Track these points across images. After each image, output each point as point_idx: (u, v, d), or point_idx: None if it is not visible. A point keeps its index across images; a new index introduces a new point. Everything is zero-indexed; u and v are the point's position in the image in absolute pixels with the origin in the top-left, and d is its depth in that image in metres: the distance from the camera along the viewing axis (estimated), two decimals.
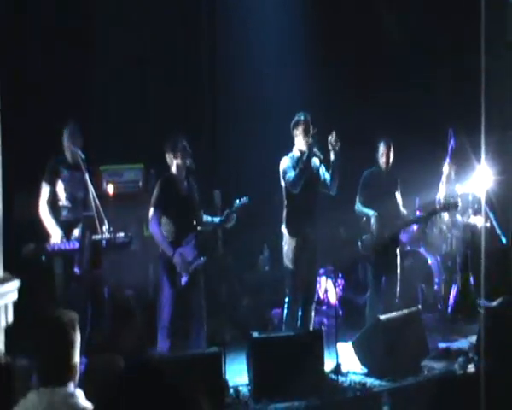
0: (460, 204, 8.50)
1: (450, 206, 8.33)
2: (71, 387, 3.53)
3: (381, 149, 8.25)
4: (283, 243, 7.59)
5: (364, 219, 8.19)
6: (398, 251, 8.28)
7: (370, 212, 8.09)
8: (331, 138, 7.35)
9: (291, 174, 7.42)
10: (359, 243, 8.18)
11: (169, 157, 7.20)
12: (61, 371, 3.51)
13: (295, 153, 7.59)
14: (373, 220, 8.05)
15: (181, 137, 7.22)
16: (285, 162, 7.55)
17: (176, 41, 9.91)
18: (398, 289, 8.28)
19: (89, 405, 3.52)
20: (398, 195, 8.40)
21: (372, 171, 8.34)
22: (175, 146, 7.15)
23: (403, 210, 8.44)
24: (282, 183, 7.56)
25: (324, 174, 7.62)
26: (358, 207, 8.21)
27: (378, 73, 10.39)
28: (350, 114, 10.04)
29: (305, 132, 7.45)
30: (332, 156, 7.42)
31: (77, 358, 3.60)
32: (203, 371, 6.19)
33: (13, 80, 7.69)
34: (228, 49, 10.10)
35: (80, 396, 3.54)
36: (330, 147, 7.36)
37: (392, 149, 8.27)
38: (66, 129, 7.18)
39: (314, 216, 7.55)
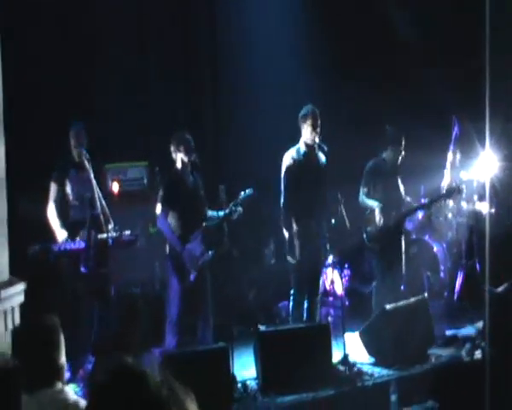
0: (464, 190, 8.50)
1: (453, 191, 8.31)
2: (59, 385, 3.56)
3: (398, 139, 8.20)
4: (288, 237, 7.61)
5: (369, 210, 8.19)
6: (402, 240, 8.28)
7: (375, 203, 8.09)
8: None
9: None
10: (364, 235, 8.18)
11: (174, 152, 7.23)
12: (47, 374, 3.54)
13: (301, 145, 7.59)
14: (377, 212, 8.05)
15: (185, 132, 7.26)
16: (287, 159, 7.56)
17: (178, 39, 9.93)
18: (402, 278, 8.30)
19: (80, 399, 3.57)
20: (400, 182, 8.39)
21: (374, 162, 8.31)
22: (180, 141, 7.18)
23: (406, 197, 8.43)
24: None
25: None
26: (362, 199, 8.19)
27: (382, 61, 10.36)
28: (353, 103, 10.03)
29: (313, 126, 7.46)
30: None
31: (62, 359, 3.63)
32: (211, 366, 6.26)
33: (17, 81, 7.74)
34: (230, 44, 10.10)
35: (69, 392, 3.59)
36: None
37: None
38: (72, 129, 7.23)
39: (318, 209, 7.56)
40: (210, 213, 7.41)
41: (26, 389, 3.47)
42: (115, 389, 1.88)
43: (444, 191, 8.54)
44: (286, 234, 7.55)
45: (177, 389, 1.89)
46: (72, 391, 3.62)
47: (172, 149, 7.22)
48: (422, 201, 8.73)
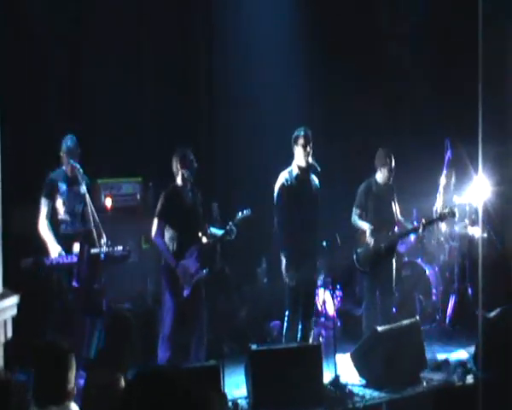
0: (457, 214, 8.49)
1: (447, 215, 8.32)
2: (66, 403, 3.61)
3: (386, 159, 8.20)
4: (282, 257, 7.57)
5: (360, 231, 8.17)
6: (393, 262, 8.26)
7: (366, 225, 8.08)
8: None
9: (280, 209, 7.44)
10: (354, 256, 8.17)
11: (176, 167, 7.23)
12: (58, 395, 3.66)
13: (294, 168, 7.57)
14: (368, 234, 8.04)
15: (190, 150, 7.26)
16: (280, 181, 7.53)
17: (174, 54, 9.93)
18: (393, 300, 8.27)
19: None
20: (394, 204, 8.38)
21: (367, 183, 8.31)
22: (184, 157, 7.18)
23: (400, 218, 8.41)
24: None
25: None
26: (355, 220, 8.18)
27: (376, 85, 10.41)
28: (348, 125, 10.06)
29: (305, 148, 7.46)
30: None
31: (73, 382, 3.76)
32: (202, 383, 6.20)
33: (11, 94, 7.73)
34: (226, 61, 10.13)
35: (76, 407, 3.63)
36: None
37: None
38: (64, 142, 7.20)
39: (313, 229, 7.54)
40: (212, 230, 7.41)
41: (36, 404, 3.63)
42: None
43: (437, 215, 8.52)
44: (283, 258, 7.51)
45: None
46: (77, 407, 3.67)
47: (175, 163, 7.22)
48: (415, 224, 8.71)
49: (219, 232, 7.37)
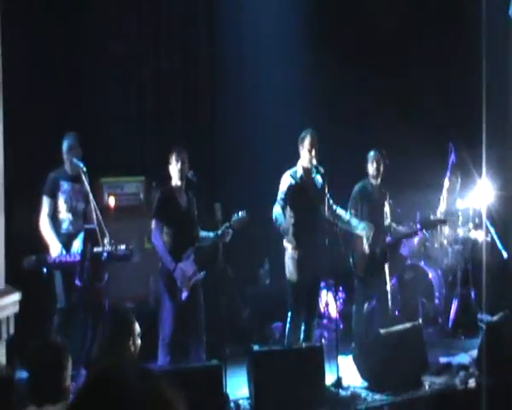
0: (460, 218, 8.49)
1: (437, 222, 8.39)
2: (62, 402, 3.67)
3: (373, 159, 8.21)
4: (286, 258, 7.56)
5: (355, 235, 8.11)
6: (386, 267, 8.22)
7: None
8: None
9: (280, 219, 7.36)
10: (351, 260, 8.15)
11: (171, 168, 7.20)
12: (54, 394, 3.74)
13: (298, 168, 7.56)
14: (365, 240, 8.03)
15: (184, 150, 7.22)
16: (284, 183, 7.52)
17: (175, 54, 9.93)
18: (389, 303, 8.23)
19: None
20: (387, 208, 8.34)
21: (362, 185, 8.29)
22: (178, 157, 7.14)
23: (392, 224, 8.38)
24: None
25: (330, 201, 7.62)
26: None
27: (378, 88, 10.38)
28: (351, 129, 10.03)
29: (310, 150, 7.45)
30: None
31: (68, 381, 3.85)
32: (204, 384, 6.20)
33: (13, 93, 7.71)
34: (227, 60, 10.12)
35: None
36: None
37: (383, 161, 8.22)
38: (65, 140, 7.17)
39: (316, 230, 7.51)
40: (203, 233, 7.36)
41: (34, 402, 3.68)
42: (96, 390, 1.88)
43: (430, 219, 8.57)
44: (287, 254, 7.51)
45: (167, 396, 1.87)
46: None
47: (170, 164, 7.18)
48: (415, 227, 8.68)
49: (211, 235, 7.34)
